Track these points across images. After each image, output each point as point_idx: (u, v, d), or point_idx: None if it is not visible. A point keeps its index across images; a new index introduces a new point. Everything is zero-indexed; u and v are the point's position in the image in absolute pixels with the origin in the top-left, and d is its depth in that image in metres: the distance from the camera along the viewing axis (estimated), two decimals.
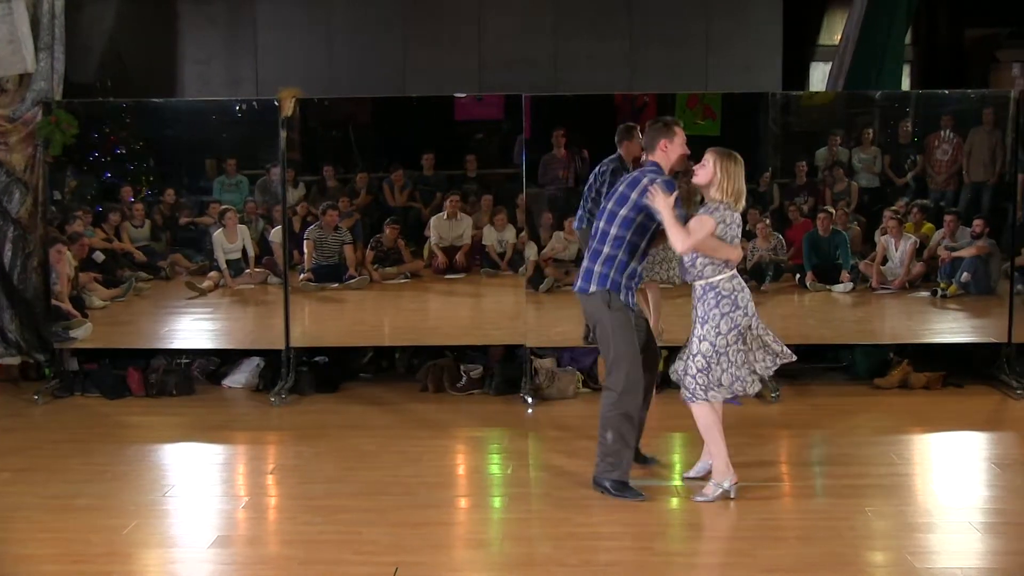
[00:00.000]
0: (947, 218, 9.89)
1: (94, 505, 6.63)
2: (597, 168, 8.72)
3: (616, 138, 8.81)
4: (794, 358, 6.70)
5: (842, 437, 7.97)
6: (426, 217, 10.23)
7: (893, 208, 9.99)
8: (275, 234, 9.69)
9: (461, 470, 7.63)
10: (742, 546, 6.00)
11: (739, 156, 6.53)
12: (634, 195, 6.47)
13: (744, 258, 9.67)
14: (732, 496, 6.55)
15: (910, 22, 11.91)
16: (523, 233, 9.73)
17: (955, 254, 9.83)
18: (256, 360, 9.71)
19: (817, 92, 14.00)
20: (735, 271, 6.52)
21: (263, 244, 9.90)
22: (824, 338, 9.92)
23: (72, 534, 6.18)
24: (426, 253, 10.20)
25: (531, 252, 9.75)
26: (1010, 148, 9.51)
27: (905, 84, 14.85)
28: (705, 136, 9.69)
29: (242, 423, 8.65)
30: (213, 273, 9.89)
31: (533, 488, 6.99)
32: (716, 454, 6.59)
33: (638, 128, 8.86)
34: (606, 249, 6.55)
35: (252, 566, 5.79)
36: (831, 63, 11.85)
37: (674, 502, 6.61)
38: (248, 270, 9.91)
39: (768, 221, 9.84)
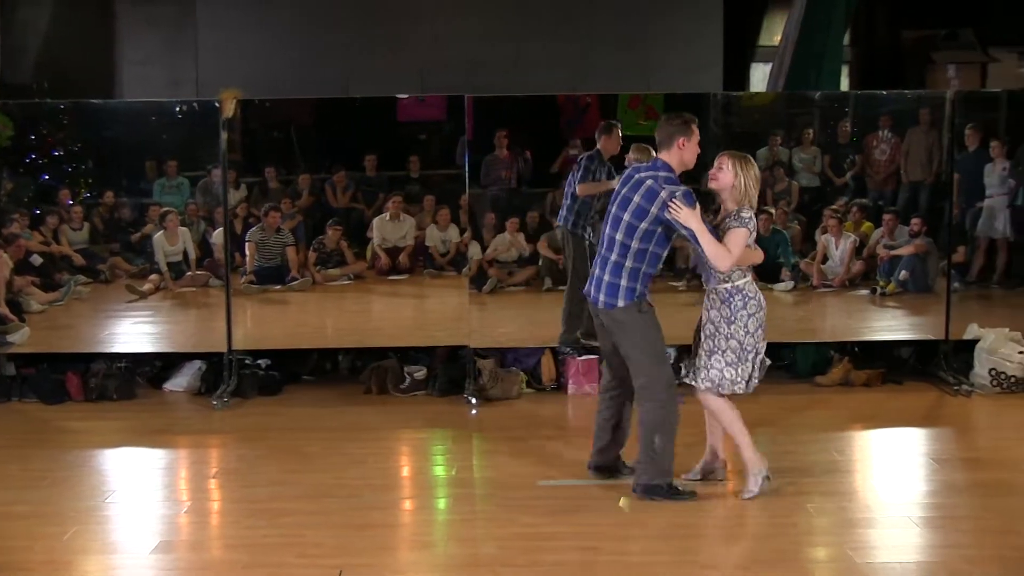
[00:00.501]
0: (886, 217, 10.01)
1: (33, 512, 6.53)
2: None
3: (596, 133, 8.97)
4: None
5: (784, 435, 8.02)
6: (369, 218, 10.20)
7: (833, 207, 10.10)
8: (217, 236, 9.62)
9: (405, 471, 7.61)
10: (686, 544, 6.03)
11: (750, 156, 6.54)
12: (654, 209, 6.29)
13: (687, 257, 9.76)
14: (771, 480, 6.60)
15: (848, 24, 12.04)
16: (466, 233, 9.73)
17: (893, 253, 9.96)
18: (198, 363, 9.62)
19: (758, 93, 14.12)
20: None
21: (204, 246, 9.82)
22: (766, 337, 9.97)
23: (11, 542, 6.09)
24: (369, 254, 10.17)
25: (474, 252, 9.74)
26: (946, 148, 9.64)
27: (844, 85, 15.01)
28: (649, 136, 9.75)
29: (184, 427, 8.56)
30: (154, 276, 9.81)
31: (478, 489, 6.99)
32: (745, 446, 6.59)
33: (619, 125, 9.01)
34: (628, 262, 6.38)
35: (195, 571, 5.74)
36: (771, 64, 11.96)
37: (621, 502, 6.63)
38: (189, 272, 9.84)
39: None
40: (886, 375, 9.49)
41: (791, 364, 9.88)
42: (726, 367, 6.49)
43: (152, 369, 9.73)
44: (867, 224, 10.14)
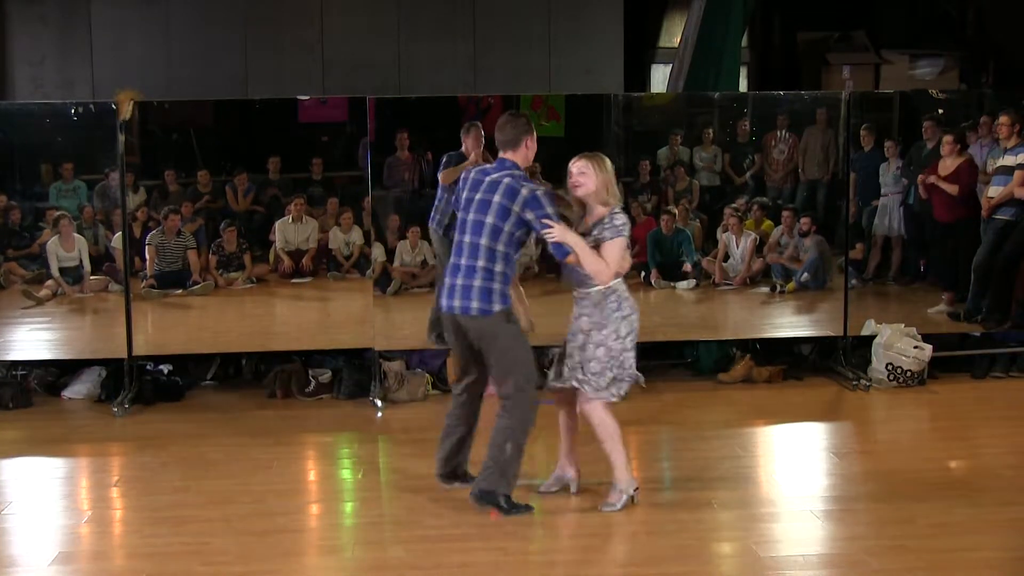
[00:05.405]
0: (784, 215, 10.17)
1: None
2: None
3: (462, 133, 8.91)
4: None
5: (688, 431, 8.13)
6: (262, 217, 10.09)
7: (733, 206, 10.23)
8: (116, 240, 9.46)
9: (311, 476, 7.55)
10: (593, 543, 6.07)
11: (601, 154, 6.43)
12: (516, 208, 6.16)
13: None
14: (636, 502, 6.45)
15: (746, 25, 12.21)
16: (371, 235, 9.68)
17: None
18: (97, 370, 9.45)
19: (658, 93, 14.26)
20: None
21: (104, 251, 9.65)
22: (669, 335, 10.09)
23: None
24: (272, 257, 10.07)
25: (378, 254, 9.70)
26: (842, 147, 9.83)
27: (742, 85, 15.24)
28: (550, 137, 9.80)
29: (83, 435, 8.41)
30: (50, 281, 9.60)
31: (384, 492, 6.97)
32: (619, 465, 6.41)
33: (479, 125, 8.96)
34: (497, 267, 6.23)
35: None
36: (671, 65, 12.07)
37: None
38: (88, 277, 9.64)
39: None
40: (787, 371, 9.65)
41: (694, 361, 9.99)
42: (592, 376, 6.33)
43: (50, 376, 9.54)
44: (767, 222, 10.29)
